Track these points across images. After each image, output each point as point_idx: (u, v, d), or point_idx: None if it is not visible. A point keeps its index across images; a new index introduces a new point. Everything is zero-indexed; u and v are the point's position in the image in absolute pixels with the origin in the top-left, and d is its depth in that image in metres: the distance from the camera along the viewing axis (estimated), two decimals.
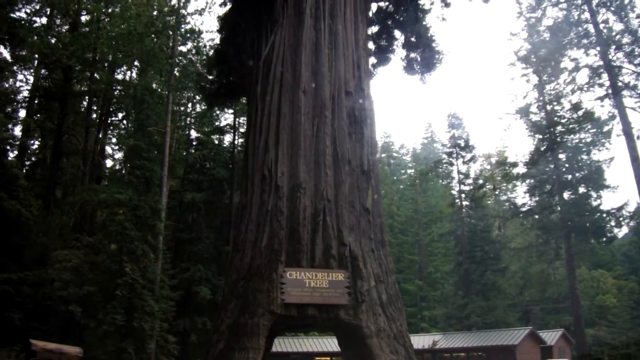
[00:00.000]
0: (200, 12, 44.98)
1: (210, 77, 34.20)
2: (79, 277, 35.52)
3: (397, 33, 31.74)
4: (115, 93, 48.73)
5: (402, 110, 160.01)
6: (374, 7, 30.72)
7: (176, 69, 45.49)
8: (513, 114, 53.60)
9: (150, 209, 37.28)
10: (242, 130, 54.73)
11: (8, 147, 39.11)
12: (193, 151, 53.23)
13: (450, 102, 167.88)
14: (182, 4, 44.54)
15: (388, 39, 31.69)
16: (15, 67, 44.94)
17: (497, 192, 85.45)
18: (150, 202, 37.54)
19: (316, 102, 21.50)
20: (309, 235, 19.35)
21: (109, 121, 52.07)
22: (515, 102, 59.55)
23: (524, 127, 57.95)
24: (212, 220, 49.15)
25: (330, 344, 48.84)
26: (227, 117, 58.02)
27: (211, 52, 40.70)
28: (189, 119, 58.36)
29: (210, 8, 44.22)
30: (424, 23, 31.12)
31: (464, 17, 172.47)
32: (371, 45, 30.85)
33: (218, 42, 33.05)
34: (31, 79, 47.94)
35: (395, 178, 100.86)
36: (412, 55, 31.66)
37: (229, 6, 31.07)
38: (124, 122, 52.82)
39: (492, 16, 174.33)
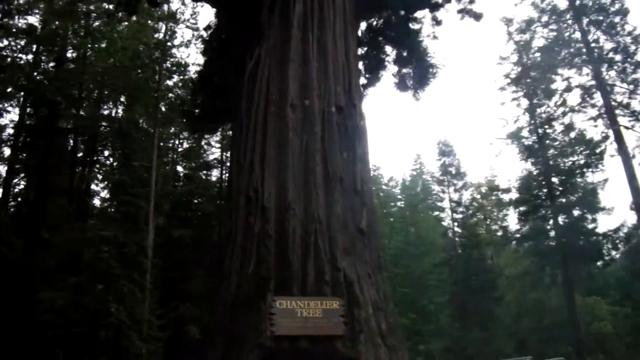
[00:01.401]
0: (186, 45, 43.71)
1: (195, 104, 32.39)
2: (64, 319, 33.73)
3: (388, 49, 30.05)
4: (101, 129, 47.26)
5: (390, 142, 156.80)
6: (363, 25, 29.15)
7: (162, 104, 44.11)
8: (504, 139, 52.52)
9: (137, 246, 35.76)
10: (229, 164, 53.01)
11: None
12: (180, 186, 51.36)
13: (440, 130, 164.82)
14: (167, 37, 43.26)
15: (378, 55, 29.92)
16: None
17: (488, 221, 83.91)
18: (137, 239, 35.99)
19: (305, 118, 19.59)
20: (299, 261, 17.26)
21: (94, 158, 50.36)
22: (507, 126, 58.67)
23: (515, 152, 57.05)
24: (201, 257, 46.86)
25: None
26: (214, 152, 56.23)
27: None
28: (175, 155, 56.59)
29: (196, 40, 42.74)
30: (417, 38, 29.48)
31: (455, 38, 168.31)
32: (361, 66, 29.09)
33: (202, 67, 31.34)
34: (16, 116, 46.64)
35: (385, 211, 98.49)
36: (404, 70, 29.83)
37: (213, 29, 29.48)
38: (110, 159, 51.25)
39: (483, 37, 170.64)
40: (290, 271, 16.98)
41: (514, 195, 55.28)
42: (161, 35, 44.87)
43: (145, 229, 38.89)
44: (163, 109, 45.87)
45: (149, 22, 44.17)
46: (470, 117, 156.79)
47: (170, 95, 45.71)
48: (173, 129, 53.01)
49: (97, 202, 53.96)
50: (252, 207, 18.22)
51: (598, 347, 67.09)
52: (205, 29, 31.40)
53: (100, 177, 50.78)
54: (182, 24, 43.94)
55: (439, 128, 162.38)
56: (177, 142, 56.15)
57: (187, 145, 55.35)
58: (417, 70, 29.54)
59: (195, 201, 49.81)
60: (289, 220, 17.68)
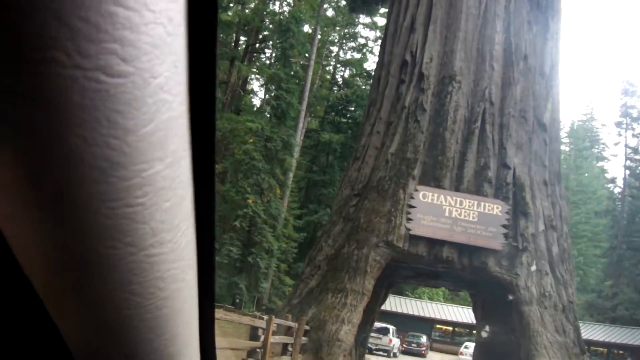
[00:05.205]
0: None
1: None
2: None
3: None
4: (263, 24, 44.51)
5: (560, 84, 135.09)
6: None
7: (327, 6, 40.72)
8: None
9: (282, 142, 32.91)
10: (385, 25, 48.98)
11: None
12: (336, 90, 47.66)
13: (621, 68, 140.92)
14: None
15: None
16: None
17: None
18: (283, 135, 33.01)
19: None
20: (458, 146, 12.43)
21: (254, 54, 47.63)
22: None
23: None
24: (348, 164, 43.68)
25: (456, 312, 42.11)
26: (375, 60, 51.89)
27: None
28: (337, 63, 52.78)
29: None
30: None
31: None
32: None
33: None
34: None
35: None
36: None
37: None
38: (270, 59, 48.54)
39: None
40: (444, 157, 12.21)
41: None
42: None
43: (294, 127, 35.97)
44: (328, 14, 42.63)
45: None
46: None
47: None
48: (337, 35, 49.28)
49: (254, 100, 52.07)
50: (406, 74, 13.39)
51: None
52: None
53: (256, 70, 48.18)
54: None
55: (619, 66, 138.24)
56: (340, 50, 52.34)
57: (350, 57, 51.44)
58: None
59: (350, 108, 46.06)
60: (452, 95, 12.74)
